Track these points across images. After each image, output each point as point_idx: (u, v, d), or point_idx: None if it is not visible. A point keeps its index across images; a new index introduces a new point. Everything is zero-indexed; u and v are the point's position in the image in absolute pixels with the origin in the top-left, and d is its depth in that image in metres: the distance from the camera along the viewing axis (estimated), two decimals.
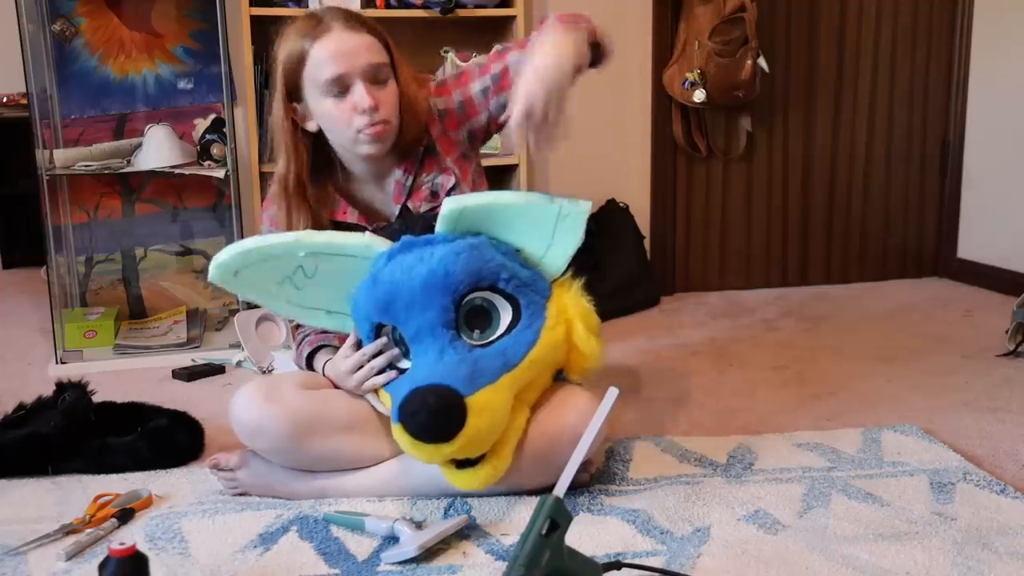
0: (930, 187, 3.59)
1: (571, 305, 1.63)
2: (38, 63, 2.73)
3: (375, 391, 1.65)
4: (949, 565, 1.41)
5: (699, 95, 3.18)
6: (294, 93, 1.70)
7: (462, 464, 1.53)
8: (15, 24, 2.55)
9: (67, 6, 2.79)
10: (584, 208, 1.62)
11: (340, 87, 1.64)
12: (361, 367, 1.63)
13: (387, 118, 1.67)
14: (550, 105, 1.52)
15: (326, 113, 1.68)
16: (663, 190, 3.37)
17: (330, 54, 1.64)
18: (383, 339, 1.62)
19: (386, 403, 1.64)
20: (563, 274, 1.67)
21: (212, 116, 2.82)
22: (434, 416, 1.45)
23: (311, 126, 1.72)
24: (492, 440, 1.52)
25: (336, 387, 1.71)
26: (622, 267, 3.14)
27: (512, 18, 2.95)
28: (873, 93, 3.48)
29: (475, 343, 1.56)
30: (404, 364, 1.61)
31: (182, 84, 2.91)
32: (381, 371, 1.62)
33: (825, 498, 1.65)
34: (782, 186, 3.48)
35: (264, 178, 2.83)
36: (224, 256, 1.61)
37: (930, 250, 3.62)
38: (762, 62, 3.22)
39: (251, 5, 2.73)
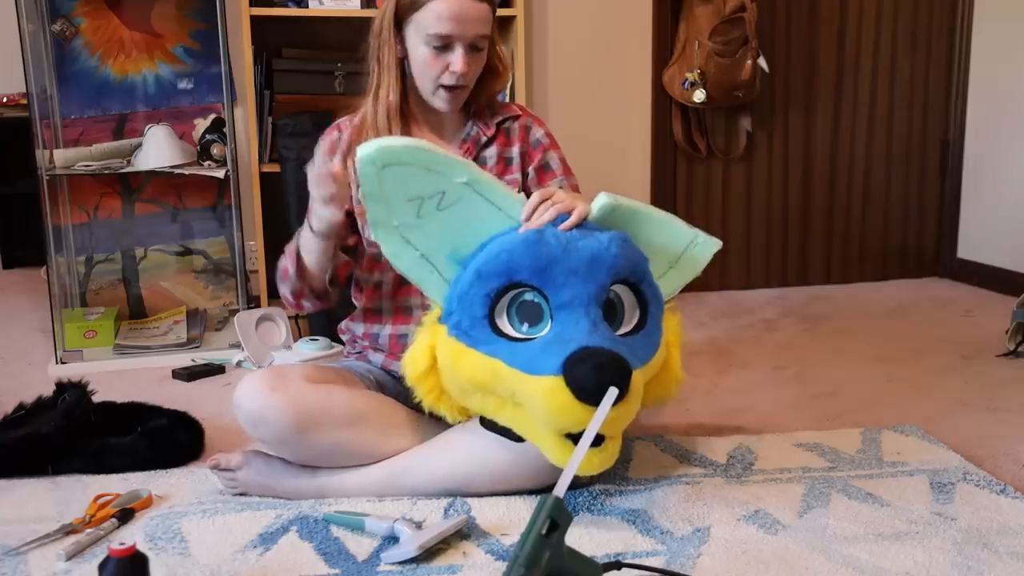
0: (930, 187, 3.59)
1: (673, 330, 1.68)
2: (38, 63, 2.73)
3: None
4: (949, 565, 1.41)
5: (699, 95, 3.18)
6: (399, 24, 1.77)
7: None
8: (15, 24, 2.55)
9: (67, 6, 2.79)
10: (716, 245, 1.72)
11: (443, 44, 1.72)
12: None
13: (468, 84, 1.78)
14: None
15: (419, 58, 1.75)
16: (663, 190, 3.37)
17: (447, 14, 1.70)
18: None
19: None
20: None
21: (212, 116, 2.82)
22: (622, 374, 1.42)
23: (399, 52, 1.79)
24: (629, 421, 1.53)
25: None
26: None
27: (512, 18, 2.95)
28: (873, 93, 3.48)
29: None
30: (510, 328, 1.55)
31: (182, 84, 2.90)
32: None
33: (825, 498, 1.65)
34: (782, 186, 3.48)
35: (264, 178, 2.83)
36: (393, 143, 1.59)
37: (930, 250, 3.62)
38: (762, 62, 3.22)
39: (251, 5, 2.74)
